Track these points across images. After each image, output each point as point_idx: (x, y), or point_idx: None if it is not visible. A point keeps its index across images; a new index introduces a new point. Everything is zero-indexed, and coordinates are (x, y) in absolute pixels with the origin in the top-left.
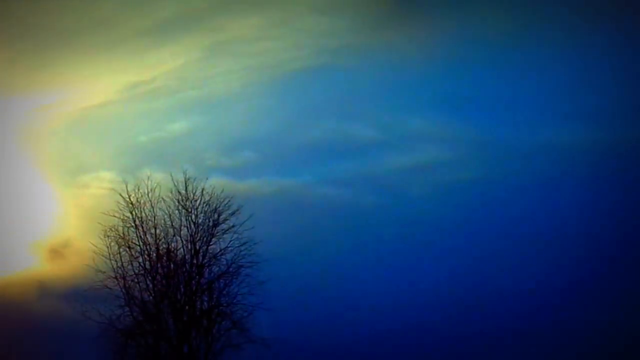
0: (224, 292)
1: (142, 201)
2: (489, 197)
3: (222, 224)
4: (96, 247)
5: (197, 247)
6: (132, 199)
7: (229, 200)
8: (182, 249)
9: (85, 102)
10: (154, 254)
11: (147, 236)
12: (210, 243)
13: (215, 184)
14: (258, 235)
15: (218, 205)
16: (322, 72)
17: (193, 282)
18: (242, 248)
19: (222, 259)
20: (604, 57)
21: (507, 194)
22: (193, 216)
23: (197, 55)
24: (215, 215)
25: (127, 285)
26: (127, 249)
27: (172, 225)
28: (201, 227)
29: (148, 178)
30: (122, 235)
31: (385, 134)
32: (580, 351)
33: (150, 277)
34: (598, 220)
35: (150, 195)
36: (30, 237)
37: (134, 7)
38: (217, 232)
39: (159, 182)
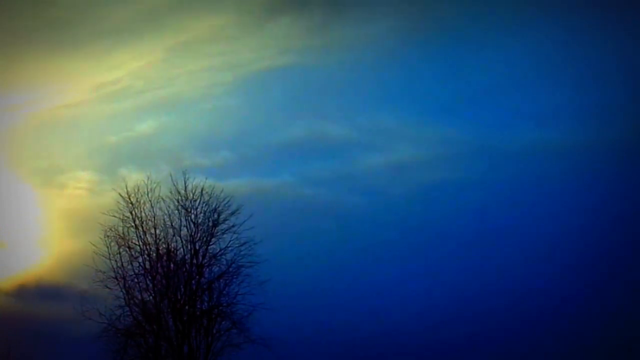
0: (224, 292)
1: (141, 201)
2: (470, 197)
3: (222, 224)
4: (96, 246)
5: (197, 247)
6: (131, 199)
7: (229, 200)
8: (182, 249)
9: (52, 103)
10: (154, 254)
11: (147, 236)
12: (210, 243)
13: (197, 185)
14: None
15: (218, 205)
16: (287, 71)
17: (193, 282)
18: (242, 248)
19: (222, 259)
20: (580, 57)
21: (488, 193)
22: (193, 216)
23: (159, 55)
24: (215, 215)
25: (127, 285)
26: (127, 249)
27: (171, 225)
28: (201, 227)
29: (148, 178)
30: (122, 235)
31: (360, 133)
32: (565, 351)
33: (150, 277)
34: (579, 220)
35: (150, 195)
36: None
37: (93, 8)
38: (216, 232)
39: (159, 182)
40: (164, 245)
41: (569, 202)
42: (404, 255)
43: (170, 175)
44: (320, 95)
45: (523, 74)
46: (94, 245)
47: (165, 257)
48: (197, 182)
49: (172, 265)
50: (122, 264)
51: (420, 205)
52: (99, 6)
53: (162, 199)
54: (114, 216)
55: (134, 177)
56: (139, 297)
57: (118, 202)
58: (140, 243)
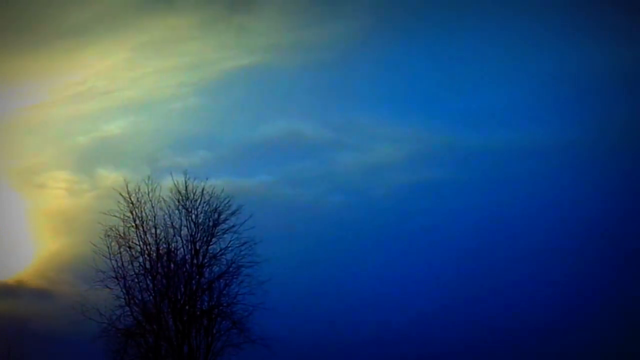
0: (224, 292)
1: (142, 201)
2: (449, 196)
3: (222, 224)
4: (96, 246)
5: (197, 247)
6: (132, 199)
7: (229, 200)
8: (182, 249)
9: (19, 103)
10: (154, 254)
11: (148, 236)
12: (211, 243)
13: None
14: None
15: (218, 205)
16: (253, 71)
17: (193, 282)
18: (242, 248)
19: (222, 259)
20: (554, 57)
21: (464, 192)
22: (193, 216)
23: (124, 55)
24: (216, 215)
25: (127, 285)
26: (128, 249)
27: (172, 225)
28: (201, 227)
29: (148, 178)
30: (122, 235)
31: (334, 132)
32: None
33: (150, 277)
34: (555, 218)
35: (150, 195)
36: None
37: (54, 8)
38: (217, 232)
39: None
40: (164, 245)
41: (545, 200)
42: (397, 256)
43: (171, 175)
44: (288, 94)
45: (499, 72)
46: (94, 245)
47: (165, 257)
48: (198, 182)
49: (172, 265)
50: (122, 264)
51: (402, 204)
52: (60, 6)
53: (163, 198)
54: (115, 216)
55: (112, 177)
56: (139, 297)
57: (118, 201)
58: (141, 243)
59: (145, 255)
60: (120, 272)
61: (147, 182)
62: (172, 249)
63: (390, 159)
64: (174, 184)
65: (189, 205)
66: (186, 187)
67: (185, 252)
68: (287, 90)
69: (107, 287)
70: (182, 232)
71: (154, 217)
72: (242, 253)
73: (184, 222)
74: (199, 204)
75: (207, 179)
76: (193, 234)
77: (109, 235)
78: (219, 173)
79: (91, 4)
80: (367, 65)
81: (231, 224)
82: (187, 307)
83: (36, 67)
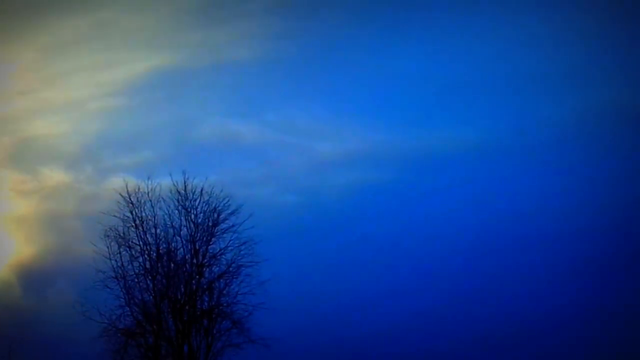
0: (224, 292)
1: (142, 201)
2: (391, 197)
3: (222, 224)
4: (96, 247)
5: (197, 247)
6: (132, 199)
7: (229, 200)
8: (182, 249)
9: None
10: (154, 254)
11: (147, 236)
12: (210, 243)
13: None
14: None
15: (218, 205)
16: (167, 70)
17: (193, 281)
18: (242, 248)
19: (222, 259)
20: (505, 56)
21: (410, 193)
22: (193, 216)
23: (31, 56)
24: (215, 215)
25: (127, 285)
26: (127, 249)
27: (172, 225)
28: (201, 227)
29: (148, 178)
30: (122, 235)
31: (276, 131)
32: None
33: (150, 277)
34: (499, 219)
35: (150, 195)
36: None
37: None
38: (216, 232)
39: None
40: (164, 245)
41: (490, 202)
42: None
43: (170, 175)
44: (212, 94)
45: (442, 71)
46: (94, 244)
47: (165, 257)
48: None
49: (172, 265)
50: (122, 264)
51: (354, 204)
52: None
53: (163, 198)
54: (115, 216)
55: (57, 177)
56: (139, 297)
57: (118, 202)
58: (141, 243)
59: (145, 255)
60: (120, 272)
61: (146, 182)
62: (172, 249)
63: (332, 158)
64: (173, 183)
65: (189, 205)
66: (185, 187)
67: (185, 252)
68: (211, 89)
69: (107, 287)
70: (181, 232)
71: (154, 217)
72: (242, 253)
73: (184, 222)
74: (199, 204)
75: (207, 178)
76: (193, 233)
77: (108, 236)
78: (165, 173)
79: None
80: (284, 64)
81: (231, 224)
82: (187, 307)
83: None
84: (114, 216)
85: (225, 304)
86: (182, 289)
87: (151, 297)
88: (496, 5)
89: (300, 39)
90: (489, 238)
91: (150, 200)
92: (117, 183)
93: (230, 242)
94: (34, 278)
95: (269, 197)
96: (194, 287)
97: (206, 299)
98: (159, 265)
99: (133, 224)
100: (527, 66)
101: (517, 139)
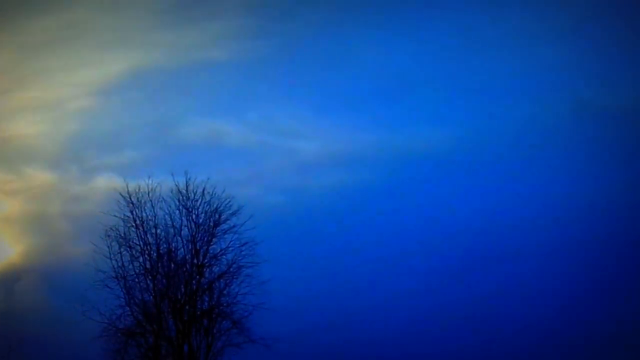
0: (224, 292)
1: (142, 201)
2: (372, 198)
3: (223, 224)
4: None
5: (198, 247)
6: (132, 199)
7: (230, 201)
8: (182, 249)
9: None
10: (155, 254)
11: (148, 236)
12: (211, 243)
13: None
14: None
15: (219, 205)
16: (144, 70)
17: (193, 282)
18: (243, 248)
19: (223, 259)
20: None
21: (391, 194)
22: (194, 216)
23: (5, 56)
24: (216, 215)
25: (127, 285)
26: (128, 249)
27: (172, 225)
28: (202, 227)
29: (149, 178)
30: (122, 235)
31: (259, 131)
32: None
33: (150, 277)
34: (484, 220)
35: (150, 195)
36: None
37: None
38: (217, 232)
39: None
40: (164, 245)
41: (476, 202)
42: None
43: (172, 175)
44: (189, 94)
45: (426, 70)
46: (94, 244)
47: (166, 257)
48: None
49: (172, 265)
50: (122, 264)
51: (339, 204)
52: None
53: (163, 198)
54: (115, 216)
55: (42, 177)
56: (140, 296)
57: (119, 201)
58: (141, 243)
59: (146, 255)
60: (121, 272)
61: (147, 182)
62: (173, 249)
63: (315, 159)
64: (175, 183)
65: (190, 205)
66: (187, 187)
67: (186, 252)
68: (189, 89)
69: (108, 286)
70: (182, 232)
71: (155, 217)
72: (243, 253)
73: (185, 222)
74: (200, 204)
75: (208, 178)
76: (193, 234)
77: (109, 235)
78: (150, 173)
79: None
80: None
81: (232, 224)
82: (187, 307)
83: None
84: (115, 216)
85: (225, 304)
86: (183, 289)
87: (151, 297)
88: (479, 3)
89: (276, 39)
90: (475, 237)
91: (151, 200)
92: (103, 182)
93: (231, 242)
94: (21, 279)
95: (254, 198)
96: (194, 287)
97: (206, 299)
98: (160, 265)
99: (134, 224)
100: (510, 65)
101: (502, 138)
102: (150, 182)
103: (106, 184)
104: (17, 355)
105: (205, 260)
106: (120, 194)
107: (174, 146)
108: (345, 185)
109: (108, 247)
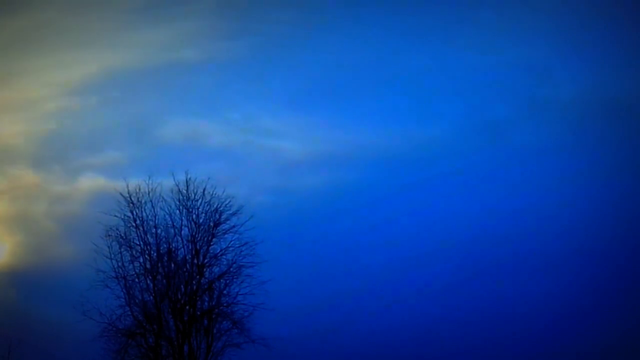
0: (225, 292)
1: (143, 201)
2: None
3: (223, 224)
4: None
5: (198, 247)
6: (132, 199)
7: (230, 200)
8: (182, 249)
9: None
10: (155, 254)
11: (148, 236)
12: (211, 243)
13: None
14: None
15: (219, 205)
16: (118, 70)
17: (194, 282)
18: (243, 248)
19: (223, 259)
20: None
21: (376, 193)
22: (194, 216)
23: None
24: (217, 215)
25: (127, 285)
26: (128, 249)
27: (173, 225)
28: (202, 227)
29: (149, 178)
30: (122, 234)
31: (240, 131)
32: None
33: (150, 277)
34: (471, 220)
35: (151, 194)
36: None
37: None
38: (217, 232)
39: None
40: (164, 245)
41: (464, 200)
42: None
43: (172, 175)
44: (166, 94)
45: (408, 68)
46: (95, 244)
47: (166, 257)
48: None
49: (172, 265)
50: (122, 264)
51: (328, 204)
52: None
53: (164, 198)
54: (115, 216)
55: (28, 177)
56: (140, 297)
57: (119, 201)
58: (141, 243)
59: (146, 255)
60: (121, 272)
61: (147, 181)
62: (173, 249)
63: (300, 158)
64: (175, 183)
65: (190, 205)
66: (187, 187)
67: (186, 252)
68: (167, 89)
69: (108, 286)
70: (182, 232)
71: (155, 217)
72: (243, 253)
73: (185, 222)
74: (200, 204)
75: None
76: (194, 234)
77: (109, 235)
78: (136, 173)
79: None
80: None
81: (232, 224)
82: (187, 307)
83: None
84: (115, 216)
85: (225, 304)
86: (183, 289)
87: (151, 297)
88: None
89: (251, 38)
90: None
91: (151, 200)
92: (87, 182)
93: (232, 242)
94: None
95: (241, 198)
96: (195, 287)
97: (206, 299)
98: (160, 265)
99: (134, 224)
100: (495, 62)
101: (489, 136)
102: (150, 182)
103: (90, 184)
104: (17, 355)
105: (206, 260)
106: (121, 194)
107: (155, 146)
108: (331, 185)
109: (108, 247)
